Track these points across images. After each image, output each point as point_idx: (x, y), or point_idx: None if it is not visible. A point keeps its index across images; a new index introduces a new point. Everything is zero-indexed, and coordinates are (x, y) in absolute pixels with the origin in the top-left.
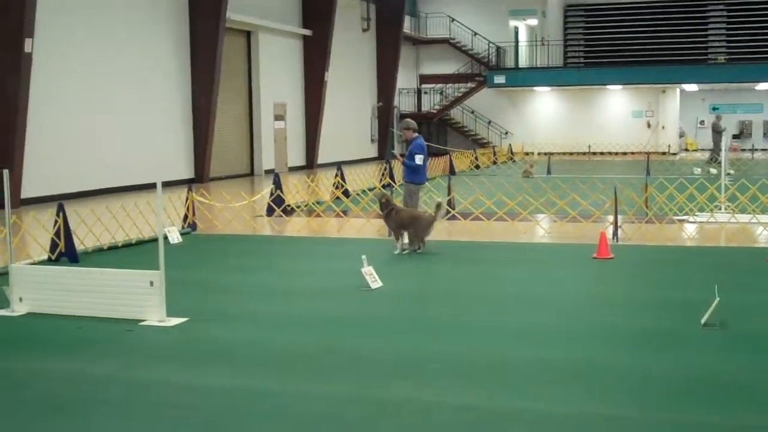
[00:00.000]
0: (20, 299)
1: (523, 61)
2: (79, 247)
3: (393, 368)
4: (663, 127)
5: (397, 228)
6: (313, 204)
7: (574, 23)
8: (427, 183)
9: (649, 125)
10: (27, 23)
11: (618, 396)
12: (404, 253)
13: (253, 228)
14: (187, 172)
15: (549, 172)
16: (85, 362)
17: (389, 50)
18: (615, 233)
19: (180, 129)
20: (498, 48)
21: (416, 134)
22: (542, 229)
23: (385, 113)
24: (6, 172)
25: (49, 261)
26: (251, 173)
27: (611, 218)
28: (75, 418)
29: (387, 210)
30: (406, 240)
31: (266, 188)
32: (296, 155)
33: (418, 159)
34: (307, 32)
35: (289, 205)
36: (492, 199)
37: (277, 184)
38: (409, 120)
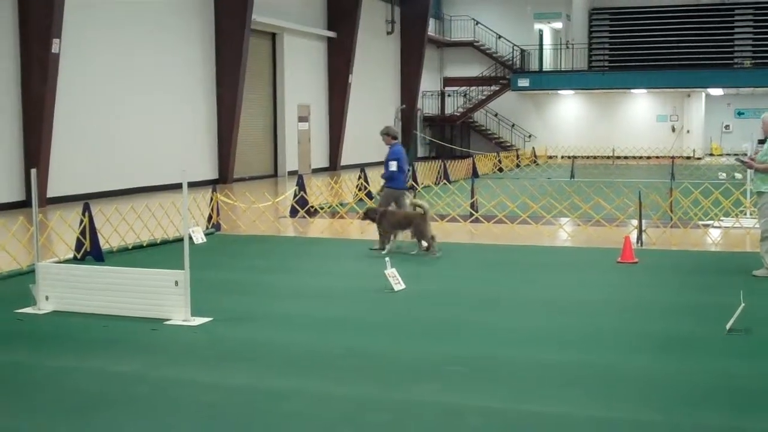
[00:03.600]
0: (46, 297)
1: (548, 65)
2: (104, 246)
3: (416, 371)
4: (688, 132)
5: (392, 229)
6: (336, 205)
7: (599, 26)
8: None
9: (673, 129)
10: (54, 24)
11: (641, 400)
12: (413, 253)
13: (276, 229)
14: (211, 172)
15: (572, 175)
16: (110, 360)
17: (413, 53)
18: (639, 238)
19: (205, 130)
20: (522, 51)
21: (395, 141)
22: (566, 233)
23: (408, 116)
24: (34, 171)
25: (75, 260)
26: (275, 174)
27: (635, 222)
28: (101, 416)
29: (378, 215)
30: (407, 240)
31: (290, 189)
32: (320, 157)
33: (392, 165)
34: (332, 34)
35: (312, 207)
36: (515, 202)
37: (301, 186)
38: (389, 126)
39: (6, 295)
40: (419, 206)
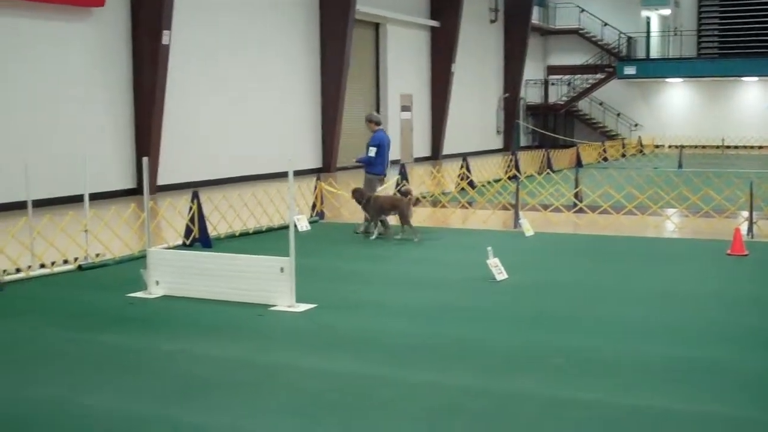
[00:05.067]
0: (157, 282)
1: (655, 52)
2: (212, 233)
3: (517, 361)
4: None
5: (377, 214)
6: (438, 195)
7: (708, 13)
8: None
9: None
10: (165, 15)
11: (742, 397)
12: (396, 238)
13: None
14: (315, 161)
15: (680, 165)
16: (217, 344)
17: (517, 41)
18: (750, 229)
19: (309, 119)
20: (629, 38)
21: (378, 127)
22: (673, 224)
23: (511, 105)
24: (145, 160)
25: (184, 246)
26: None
27: (746, 214)
28: (208, 399)
29: (365, 199)
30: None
31: (392, 178)
32: (422, 146)
33: (371, 151)
34: (435, 24)
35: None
36: (621, 192)
37: (403, 175)
38: (373, 113)
39: (118, 279)
40: (407, 191)
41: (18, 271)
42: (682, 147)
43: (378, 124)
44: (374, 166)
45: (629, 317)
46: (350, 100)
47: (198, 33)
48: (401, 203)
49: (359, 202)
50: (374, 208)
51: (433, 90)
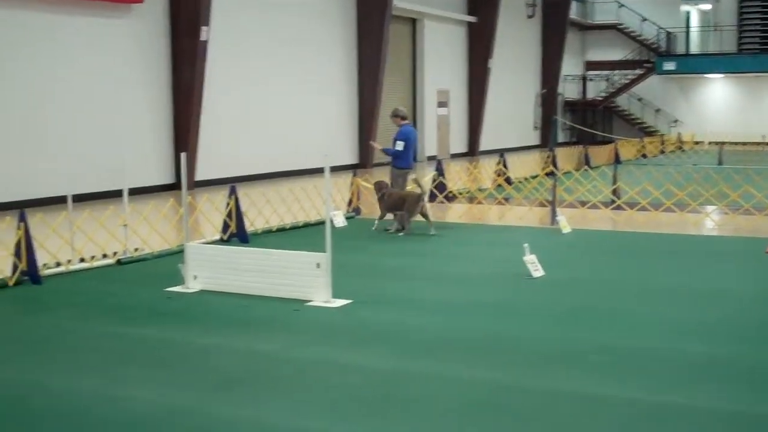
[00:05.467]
0: (194, 277)
1: (695, 47)
2: (249, 228)
3: (554, 358)
4: None
5: (389, 210)
6: (474, 191)
7: (750, 8)
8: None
9: None
10: (203, 12)
11: None
12: (400, 235)
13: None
14: (352, 157)
15: (720, 162)
16: (255, 339)
17: (554, 36)
18: None
19: (346, 115)
20: (668, 33)
21: (405, 121)
22: (712, 222)
23: (549, 100)
24: (183, 155)
25: (221, 241)
26: (414, 159)
27: None
28: (244, 393)
29: (380, 194)
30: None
31: (429, 174)
32: (458, 142)
33: (398, 145)
34: (472, 19)
35: (451, 192)
36: (660, 189)
37: (440, 171)
38: (398, 108)
39: (156, 274)
40: (419, 186)
41: (58, 264)
42: (722, 144)
43: (404, 118)
44: (400, 160)
45: (668, 315)
46: (387, 95)
47: (235, 29)
48: (410, 198)
49: (376, 195)
50: (387, 203)
51: (470, 86)
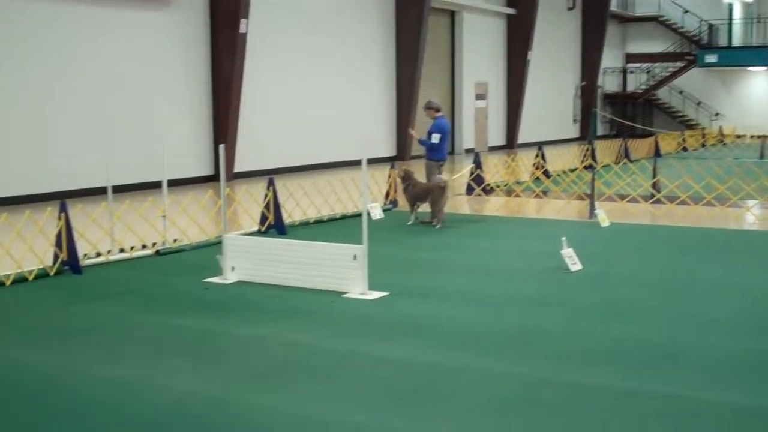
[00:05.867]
0: (232, 268)
1: (737, 40)
2: (287, 220)
3: (590, 353)
4: None
5: (412, 200)
6: (512, 184)
7: None
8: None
9: None
10: (242, 4)
11: None
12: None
13: (452, 206)
14: (389, 149)
15: (762, 156)
16: (291, 330)
17: (595, 29)
18: None
19: (384, 108)
20: (710, 26)
21: (438, 114)
22: (753, 216)
23: (588, 93)
24: (222, 147)
25: (259, 232)
26: (452, 152)
27: None
28: (282, 383)
29: (405, 184)
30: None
31: (466, 167)
32: (497, 134)
33: (434, 138)
34: (512, 11)
35: (488, 185)
36: (700, 182)
37: (478, 163)
38: (431, 100)
39: (195, 264)
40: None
41: (98, 255)
42: (765, 137)
43: (438, 110)
44: (435, 152)
45: (707, 310)
46: (425, 88)
47: (274, 22)
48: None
49: (401, 185)
50: (411, 195)
51: (509, 78)
